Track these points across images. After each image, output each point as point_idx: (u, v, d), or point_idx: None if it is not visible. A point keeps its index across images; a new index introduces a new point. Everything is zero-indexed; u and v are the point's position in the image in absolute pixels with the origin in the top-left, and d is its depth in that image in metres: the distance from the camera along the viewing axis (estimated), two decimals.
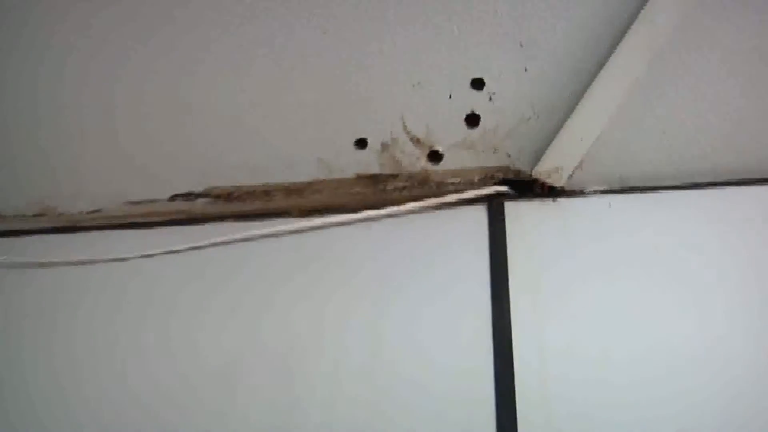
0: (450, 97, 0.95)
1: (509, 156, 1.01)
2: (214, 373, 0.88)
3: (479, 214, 1.01)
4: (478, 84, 0.92)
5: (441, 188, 1.03)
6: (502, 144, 0.98)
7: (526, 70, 0.91)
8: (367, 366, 0.86)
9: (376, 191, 1.03)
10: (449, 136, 0.99)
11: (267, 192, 1.05)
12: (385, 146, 1.00)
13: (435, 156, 1.01)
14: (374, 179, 1.03)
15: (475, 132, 0.98)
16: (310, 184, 1.04)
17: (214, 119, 0.96)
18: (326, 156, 1.01)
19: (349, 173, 1.03)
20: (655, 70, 0.85)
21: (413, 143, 0.99)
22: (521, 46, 0.89)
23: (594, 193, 0.99)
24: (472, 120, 0.96)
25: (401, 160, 1.01)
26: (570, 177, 0.98)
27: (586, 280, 0.90)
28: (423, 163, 1.02)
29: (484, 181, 1.03)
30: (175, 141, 0.99)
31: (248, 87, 0.92)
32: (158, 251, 1.03)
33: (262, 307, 0.96)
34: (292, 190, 1.04)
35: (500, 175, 1.02)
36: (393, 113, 0.96)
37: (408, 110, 0.95)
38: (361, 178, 1.03)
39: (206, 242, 1.03)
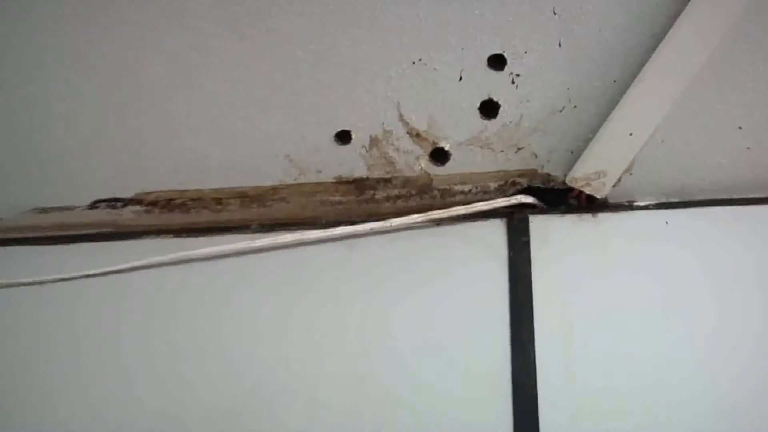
0: (460, 78, 0.90)
1: (536, 157, 0.97)
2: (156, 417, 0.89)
3: (496, 232, 0.98)
4: (497, 62, 0.87)
5: (447, 198, 1.01)
6: (528, 141, 0.95)
7: (560, 45, 0.86)
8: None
9: (362, 200, 1.01)
10: (458, 129, 0.94)
11: (218, 199, 1.03)
12: (374, 141, 0.96)
13: (440, 155, 0.97)
14: (359, 184, 1.00)
15: (492, 125, 0.93)
16: (274, 189, 1.01)
17: (146, 103, 0.92)
18: (296, 153, 0.97)
19: (327, 176, 0.99)
20: (729, 46, 0.81)
21: (411, 138, 0.96)
22: (554, 13, 0.83)
23: (647, 207, 0.97)
24: (489, 109, 0.92)
25: (395, 160, 0.97)
26: (615, 185, 0.95)
27: (633, 320, 0.87)
28: (424, 164, 0.98)
29: (503, 189, 1.00)
30: (96, 131, 0.94)
31: (195, 61, 0.88)
32: (73, 274, 1.01)
33: (205, 348, 0.94)
34: (251, 197, 1.02)
35: (524, 182, 1.00)
36: (385, 98, 0.91)
37: (405, 94, 0.91)
38: (342, 183, 1.00)
39: (136, 263, 1.01)
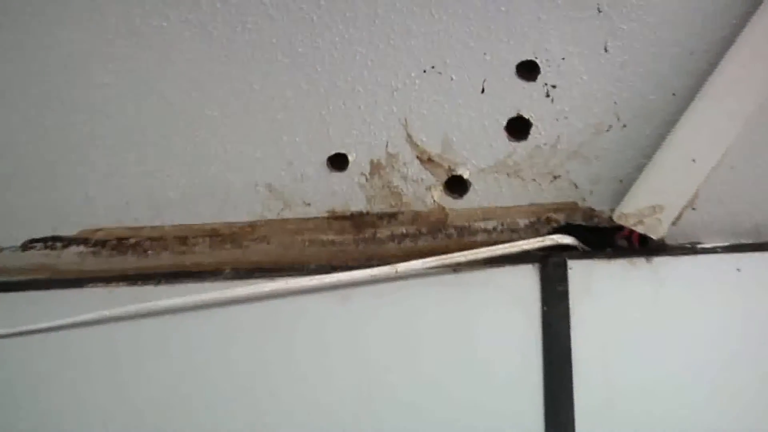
0: (482, 90, 0.90)
1: (576, 187, 0.97)
2: None
3: (526, 281, 0.96)
4: (528, 70, 0.88)
5: (465, 237, 1.00)
6: (566, 167, 0.95)
7: (606, 49, 0.86)
8: None
9: (361, 240, 1.01)
10: (480, 152, 0.94)
11: (182, 238, 1.02)
12: (376, 167, 0.96)
13: (457, 184, 0.97)
14: (358, 220, 1.00)
15: (521, 147, 0.94)
16: (252, 226, 1.01)
17: (88, 119, 0.93)
18: (279, 181, 0.97)
19: (318, 210, 0.99)
20: None
21: (422, 163, 0.95)
22: (599, 10, 0.83)
23: (714, 250, 0.95)
24: (519, 128, 0.92)
25: (402, 191, 0.98)
26: (675, 223, 0.94)
27: (696, 393, 0.87)
28: (437, 196, 0.98)
29: (536, 228, 0.99)
30: (30, 155, 0.95)
31: (149, 65, 0.89)
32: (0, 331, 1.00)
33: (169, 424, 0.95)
34: (223, 235, 1.02)
35: (561, 218, 0.99)
36: (390, 114, 0.92)
37: (415, 110, 0.91)
38: (336, 219, 1.00)
39: (80, 318, 1.00)
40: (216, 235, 1.02)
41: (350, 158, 0.96)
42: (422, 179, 0.97)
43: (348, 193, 0.99)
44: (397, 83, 0.90)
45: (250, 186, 0.98)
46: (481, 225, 1.00)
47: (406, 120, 0.92)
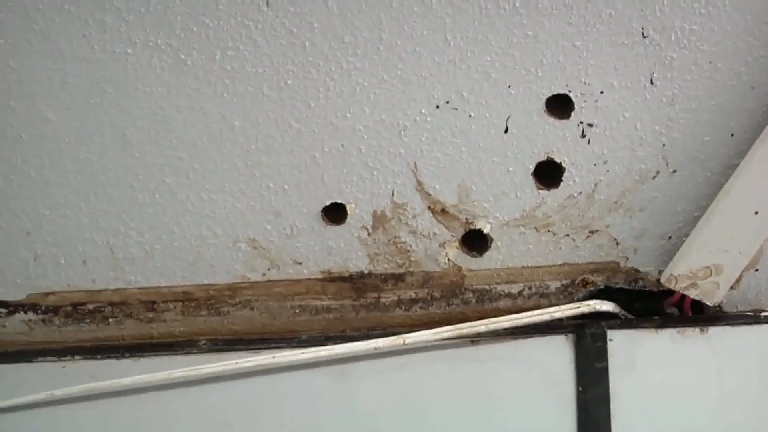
0: (506, 129, 0.89)
1: (617, 244, 0.95)
2: None
3: (558, 355, 0.95)
4: (560, 105, 0.87)
5: (486, 303, 0.99)
6: (605, 221, 0.94)
7: (652, 81, 0.85)
8: None
9: (362, 305, 0.99)
10: (504, 202, 0.93)
11: (150, 303, 0.99)
12: (380, 219, 0.95)
13: (476, 240, 0.96)
14: (358, 282, 0.98)
15: (552, 196, 0.92)
16: (233, 289, 0.99)
17: (48, 162, 0.91)
18: (265, 236, 0.95)
19: (311, 270, 0.98)
20: None
21: (435, 215, 0.94)
22: (644, 36, 0.82)
23: None
24: (549, 173, 0.92)
25: (411, 247, 0.96)
26: (734, 287, 0.92)
27: None
28: (453, 254, 0.96)
29: (569, 292, 0.98)
30: None
31: (112, 97, 0.88)
32: None
33: None
34: (198, 300, 1.00)
35: (600, 280, 0.97)
36: (397, 157, 0.91)
37: (426, 152, 0.91)
38: (332, 280, 0.98)
39: (27, 399, 0.97)
40: (189, 300, 1.00)
41: (349, 209, 0.95)
42: (435, 234, 0.96)
43: (346, 250, 0.97)
44: (405, 121, 0.89)
45: (228, 242, 0.96)
46: (504, 288, 0.99)
47: (415, 164, 0.91)
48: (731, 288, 0.92)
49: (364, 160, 0.90)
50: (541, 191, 0.92)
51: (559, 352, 0.94)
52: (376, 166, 0.91)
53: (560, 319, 0.95)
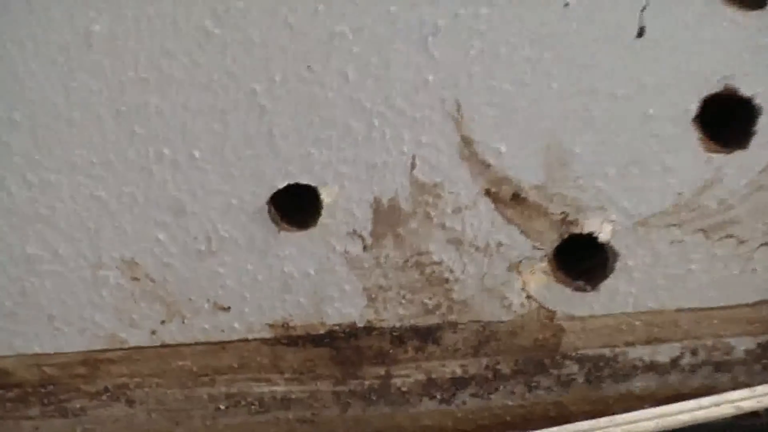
0: (641, 32, 0.62)
1: None
2: None
3: None
4: None
5: (607, 384, 0.73)
6: None
7: None
8: None
9: (353, 393, 0.71)
10: (636, 182, 0.66)
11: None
12: (387, 214, 0.67)
13: (583, 258, 0.70)
14: (344, 347, 0.72)
15: (736, 166, 0.65)
16: (93, 363, 0.71)
17: None
18: (155, 254, 0.68)
19: (250, 322, 0.69)
20: None
21: (497, 207, 0.68)
22: None
23: None
24: (728, 120, 0.65)
25: (451, 273, 0.69)
26: None
27: None
28: (536, 285, 0.70)
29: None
30: None
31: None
32: None
33: None
34: (23, 388, 0.74)
35: None
36: (421, 87, 0.63)
37: (477, 82, 0.63)
38: (294, 343, 0.71)
39: None
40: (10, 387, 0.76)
41: (325, 195, 0.68)
42: (499, 246, 0.71)
43: (320, 282, 0.73)
44: (435, 18, 0.66)
45: (85, 270, 0.73)
46: (644, 353, 0.70)
47: (458, 105, 0.67)
48: None
49: (349, 93, 0.61)
50: (713, 156, 0.63)
51: None
52: (377, 109, 0.62)
53: (756, 414, 0.66)
